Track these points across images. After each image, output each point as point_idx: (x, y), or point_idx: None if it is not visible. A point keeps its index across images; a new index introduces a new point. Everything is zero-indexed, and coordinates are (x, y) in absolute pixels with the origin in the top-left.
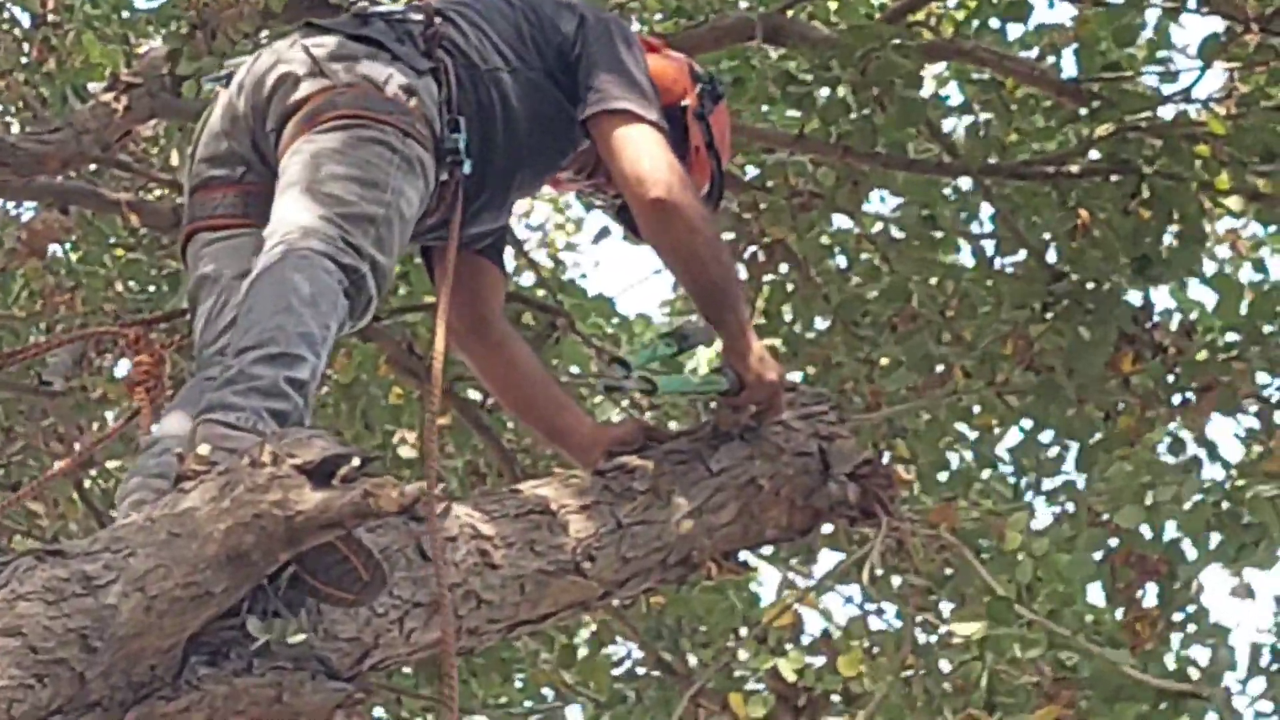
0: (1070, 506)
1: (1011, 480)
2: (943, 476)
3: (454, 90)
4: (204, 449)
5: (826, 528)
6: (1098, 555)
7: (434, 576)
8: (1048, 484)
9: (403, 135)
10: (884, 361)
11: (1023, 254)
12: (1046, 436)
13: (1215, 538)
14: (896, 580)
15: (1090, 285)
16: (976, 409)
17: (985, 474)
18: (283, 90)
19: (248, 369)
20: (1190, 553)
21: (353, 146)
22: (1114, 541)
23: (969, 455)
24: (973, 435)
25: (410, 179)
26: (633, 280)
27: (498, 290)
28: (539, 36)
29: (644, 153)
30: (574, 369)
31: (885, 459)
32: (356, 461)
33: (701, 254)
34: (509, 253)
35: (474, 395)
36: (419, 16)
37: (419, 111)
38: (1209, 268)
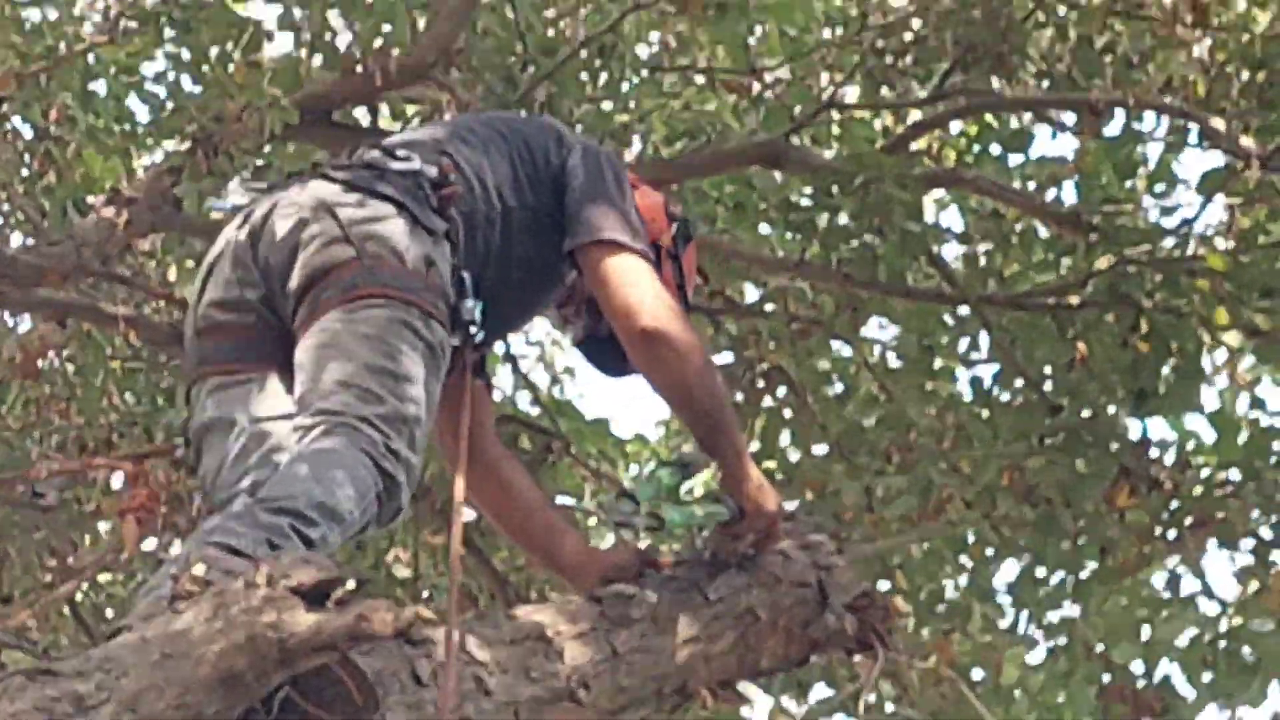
0: (1066, 640)
1: (1009, 613)
2: (939, 608)
3: (462, 246)
4: (199, 569)
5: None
6: (1092, 690)
7: (428, 702)
8: (1044, 617)
9: (426, 317)
10: (882, 490)
11: (1020, 385)
12: (1043, 569)
13: (1208, 675)
14: (889, 707)
15: (1087, 417)
16: (972, 539)
17: (982, 606)
18: (306, 254)
19: (256, 510)
20: (1184, 689)
21: (387, 333)
22: (1108, 677)
23: (965, 586)
24: (970, 566)
25: (434, 367)
26: (631, 398)
27: (487, 409)
28: (532, 172)
29: (633, 282)
30: (570, 494)
31: (883, 590)
32: (351, 584)
33: (693, 383)
34: (508, 373)
35: (466, 517)
36: (434, 172)
37: (436, 284)
38: (1207, 399)
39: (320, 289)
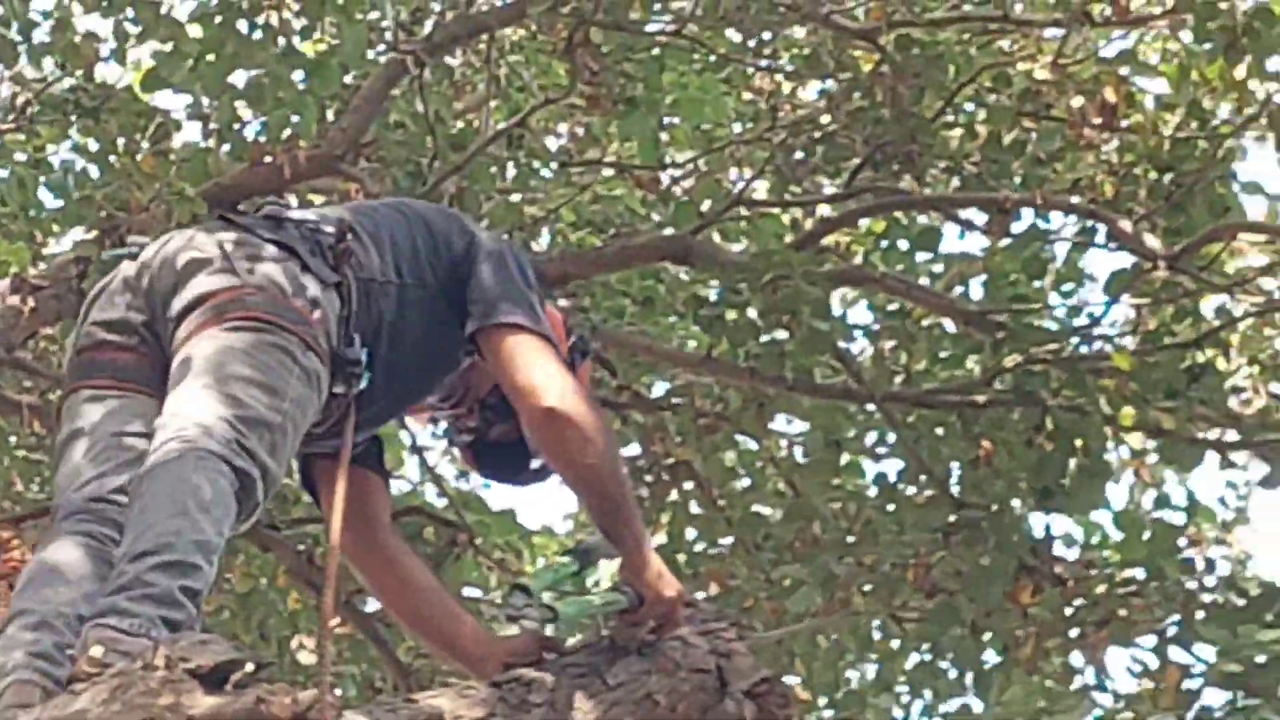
0: None
1: (905, 701)
2: (838, 696)
3: (354, 306)
4: (97, 651)
5: None
6: None
7: None
8: (944, 708)
9: (305, 347)
10: (786, 582)
11: (925, 481)
12: (943, 661)
13: None
14: None
15: (992, 514)
16: (876, 635)
17: (882, 696)
18: (191, 279)
19: (143, 576)
20: None
21: (257, 350)
22: None
23: (868, 674)
24: (872, 657)
25: (307, 391)
26: (537, 491)
27: (384, 499)
28: (432, 254)
29: (539, 363)
30: (475, 586)
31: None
32: (250, 667)
33: (596, 466)
34: (415, 465)
35: (371, 607)
36: (331, 230)
37: (322, 325)
38: (1112, 494)
39: (199, 312)
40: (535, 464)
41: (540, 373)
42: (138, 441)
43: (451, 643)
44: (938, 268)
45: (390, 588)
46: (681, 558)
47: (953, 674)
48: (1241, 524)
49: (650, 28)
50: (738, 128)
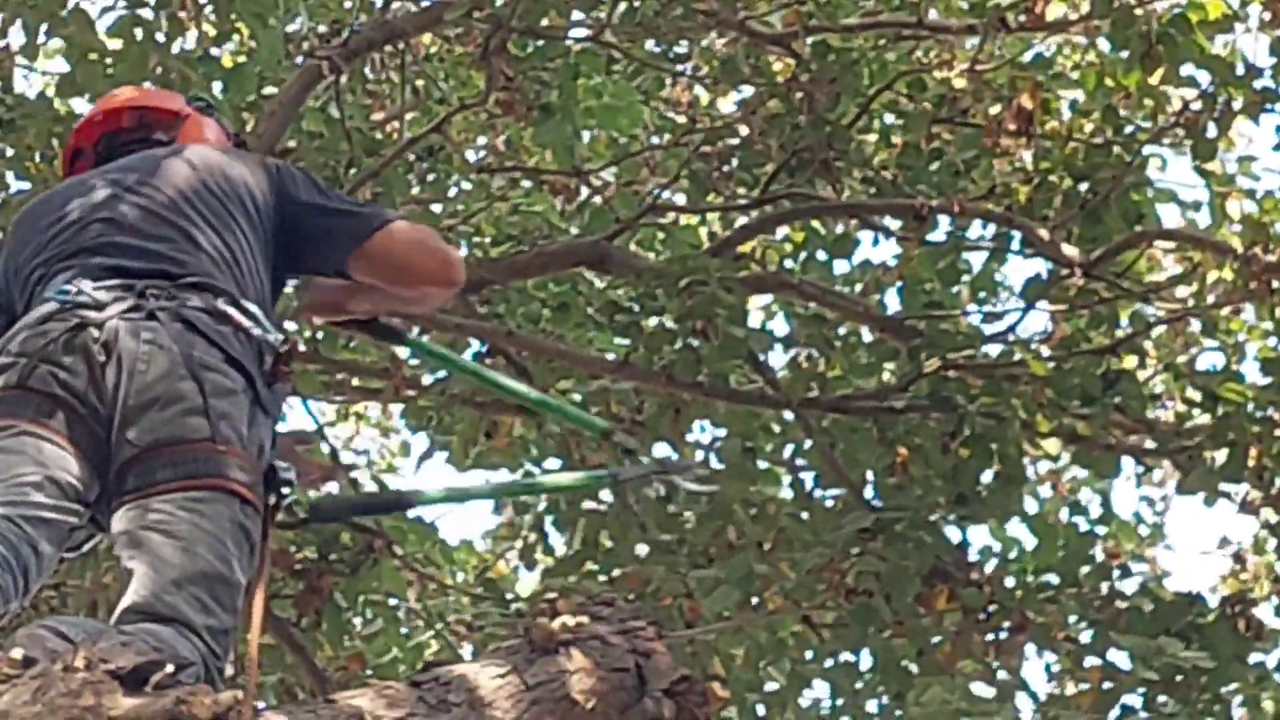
0: None
1: (829, 702)
2: (756, 697)
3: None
4: (17, 653)
5: None
6: None
7: None
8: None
9: (255, 514)
10: (699, 583)
11: (841, 487)
12: (863, 663)
13: None
14: None
15: (908, 521)
16: (791, 641)
17: (801, 696)
18: (162, 414)
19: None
20: None
21: (225, 534)
22: None
23: (785, 674)
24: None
25: (250, 565)
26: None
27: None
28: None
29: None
30: (394, 595)
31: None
32: (170, 669)
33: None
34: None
35: (287, 614)
36: (279, 342)
37: (261, 469)
38: (1028, 506)
39: (168, 459)
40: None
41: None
42: (66, 480)
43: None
44: (854, 275)
45: None
46: (597, 565)
47: (871, 675)
48: (1158, 541)
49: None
50: (655, 139)
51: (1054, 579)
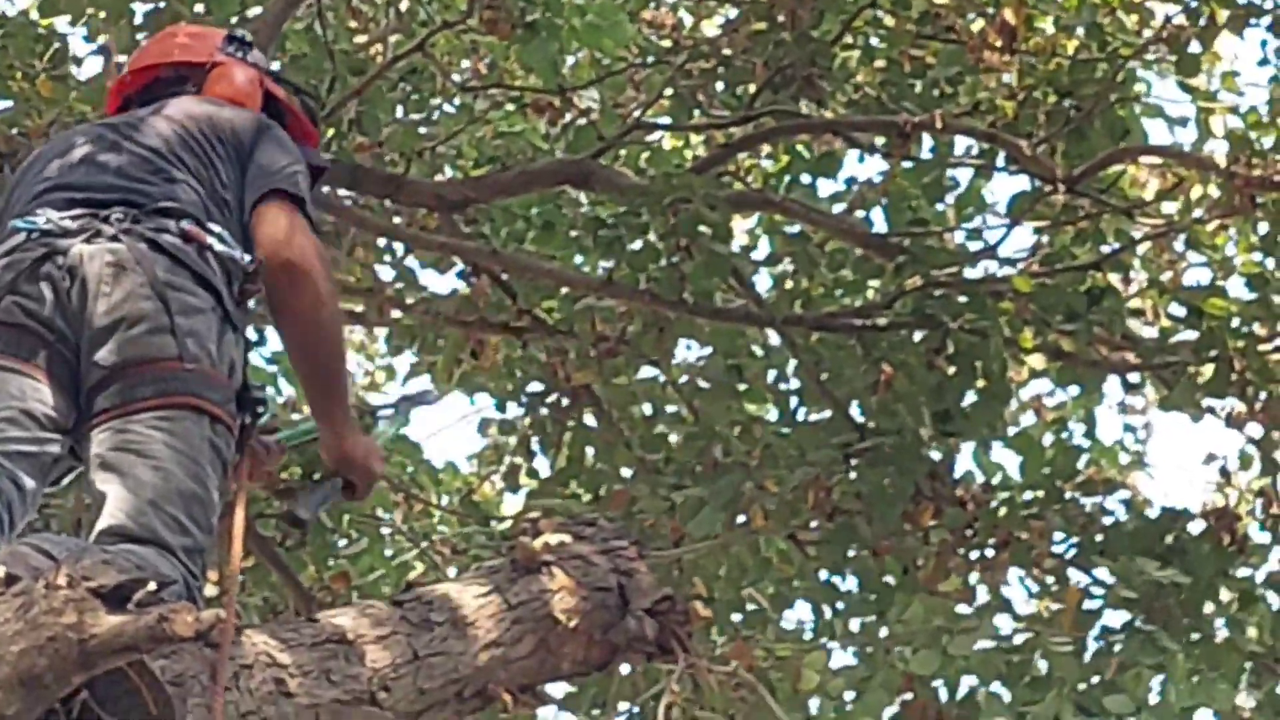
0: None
1: (811, 621)
2: (739, 615)
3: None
4: (0, 571)
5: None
6: (892, 709)
7: (229, 703)
8: (846, 625)
9: (227, 432)
10: (683, 501)
11: (826, 405)
12: (846, 581)
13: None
14: None
15: (892, 438)
16: (775, 560)
17: (784, 615)
18: (129, 334)
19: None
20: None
21: (198, 453)
22: (910, 695)
23: (769, 591)
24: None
25: (223, 483)
26: (439, 426)
27: None
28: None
29: (291, 225)
30: (379, 511)
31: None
32: (152, 586)
33: (324, 328)
34: None
35: (271, 534)
36: (248, 261)
37: (233, 386)
38: (1011, 429)
39: (136, 379)
40: None
41: (297, 234)
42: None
43: None
44: (838, 193)
45: None
46: (581, 484)
47: (854, 594)
48: (1138, 468)
49: None
50: (638, 59)
51: (1037, 496)
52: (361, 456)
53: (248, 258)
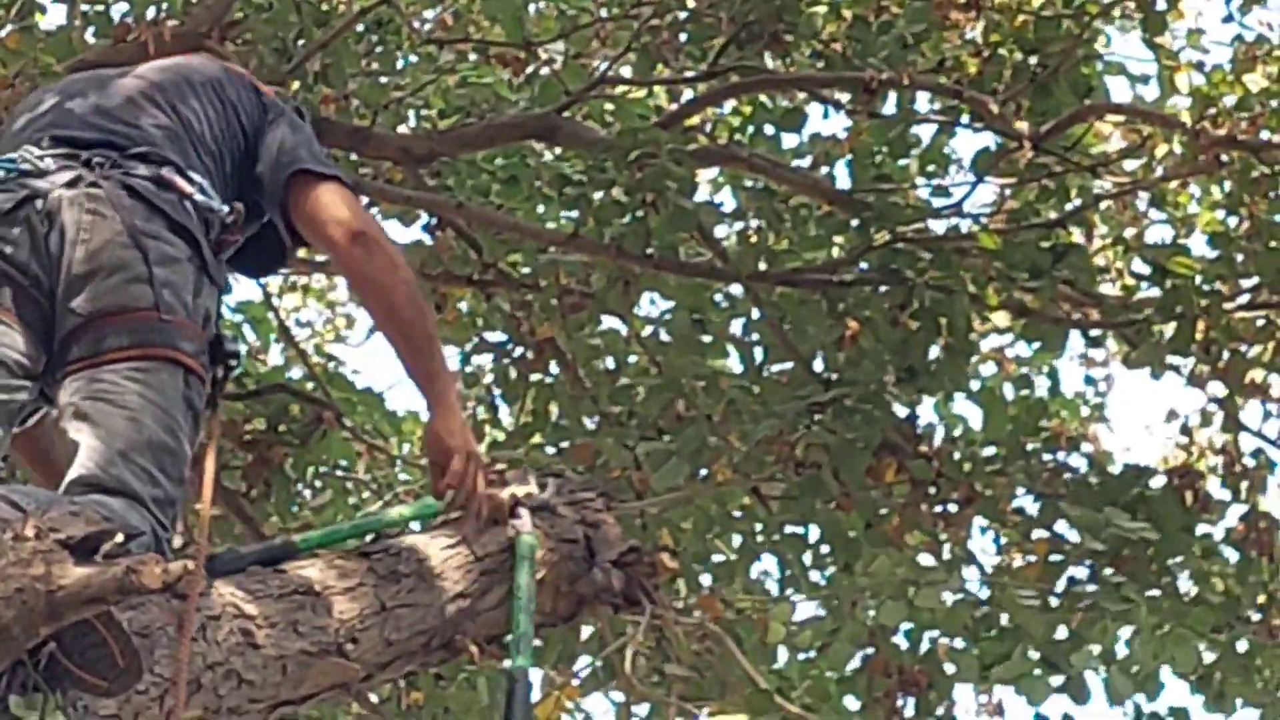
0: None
1: (776, 574)
2: (705, 567)
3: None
4: None
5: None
6: (856, 662)
7: (196, 654)
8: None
9: (200, 384)
10: (648, 454)
11: (791, 362)
12: (811, 535)
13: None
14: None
15: (857, 394)
16: (740, 513)
17: (750, 568)
18: (105, 282)
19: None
20: (948, 666)
21: (171, 405)
22: (872, 650)
23: (735, 544)
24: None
25: (195, 434)
26: (402, 377)
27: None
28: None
29: (347, 200)
30: (342, 462)
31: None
32: (120, 538)
33: (408, 284)
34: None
35: (236, 485)
36: (226, 212)
37: (207, 339)
38: (975, 384)
39: (111, 329)
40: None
41: (346, 206)
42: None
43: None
44: (803, 148)
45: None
46: (545, 438)
47: (819, 547)
48: (1099, 421)
49: None
50: (604, 12)
51: (1002, 451)
52: (459, 429)
53: (226, 209)
